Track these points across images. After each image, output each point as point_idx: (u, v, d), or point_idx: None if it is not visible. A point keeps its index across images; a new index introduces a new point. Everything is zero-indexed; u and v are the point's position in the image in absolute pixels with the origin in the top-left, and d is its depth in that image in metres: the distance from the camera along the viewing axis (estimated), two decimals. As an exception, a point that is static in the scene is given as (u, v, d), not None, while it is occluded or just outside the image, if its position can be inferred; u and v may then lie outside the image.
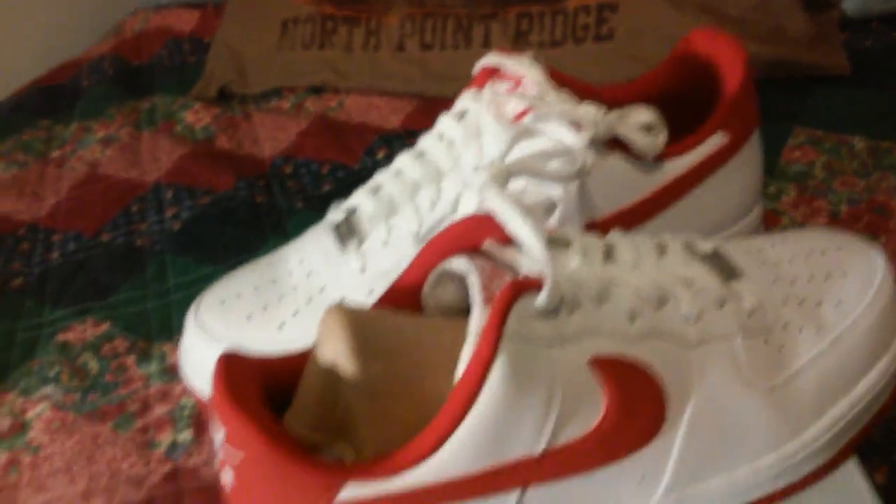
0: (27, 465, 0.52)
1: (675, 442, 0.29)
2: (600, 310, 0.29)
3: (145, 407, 0.55)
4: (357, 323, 0.27)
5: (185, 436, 0.52)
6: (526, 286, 0.27)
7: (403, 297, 0.30)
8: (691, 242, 0.32)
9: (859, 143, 0.59)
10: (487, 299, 0.27)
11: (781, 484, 0.31)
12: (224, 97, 0.85)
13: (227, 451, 0.27)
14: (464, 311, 0.31)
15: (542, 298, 0.27)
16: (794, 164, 0.59)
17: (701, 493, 0.30)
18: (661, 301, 0.30)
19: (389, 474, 0.26)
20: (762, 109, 0.48)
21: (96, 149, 0.82)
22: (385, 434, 0.28)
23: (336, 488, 0.26)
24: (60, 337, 0.61)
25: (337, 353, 0.27)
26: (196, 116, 0.84)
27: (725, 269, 0.32)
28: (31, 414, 0.55)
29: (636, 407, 0.28)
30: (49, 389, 0.57)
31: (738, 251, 0.33)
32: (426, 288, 0.30)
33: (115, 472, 0.51)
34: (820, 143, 0.60)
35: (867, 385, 0.32)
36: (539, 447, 0.27)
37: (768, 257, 0.33)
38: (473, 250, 0.30)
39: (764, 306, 0.31)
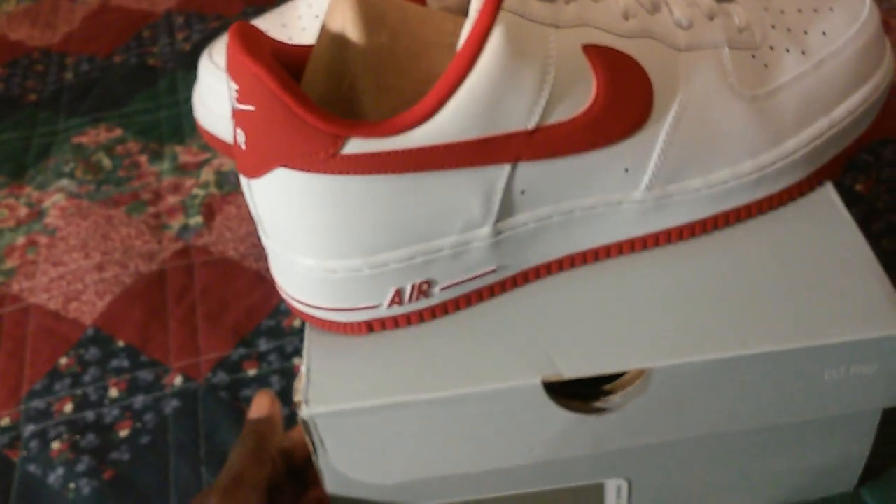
0: (44, 245, 0.55)
1: (659, 135, 0.31)
2: (597, 4, 0.30)
3: (157, 197, 0.57)
4: (365, -4, 0.29)
5: (196, 220, 0.54)
6: (525, -31, 0.29)
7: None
8: (687, -29, 0.34)
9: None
10: (488, -18, 0.29)
11: (760, 194, 0.33)
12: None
13: (240, 113, 0.28)
14: (466, 14, 0.32)
15: (539, -22, 0.28)
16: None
17: (681, 192, 0.32)
18: (655, 6, 0.31)
19: (391, 133, 0.28)
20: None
21: (108, -15, 0.83)
22: (388, 108, 0.29)
23: (340, 141, 0.28)
24: (74, 140, 0.63)
25: (345, 22, 0.28)
26: (207, -43, 0.84)
27: (718, -6, 0.33)
28: (47, 202, 0.58)
29: (625, 95, 0.30)
30: (64, 182, 0.59)
31: (732, -15, 0.35)
32: (430, -12, 0.32)
33: (128, 247, 0.53)
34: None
35: (846, 109, 0.34)
36: (532, 122, 0.29)
37: (760, -8, 0.35)
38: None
39: (752, 27, 0.33)
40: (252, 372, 0.45)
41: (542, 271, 0.33)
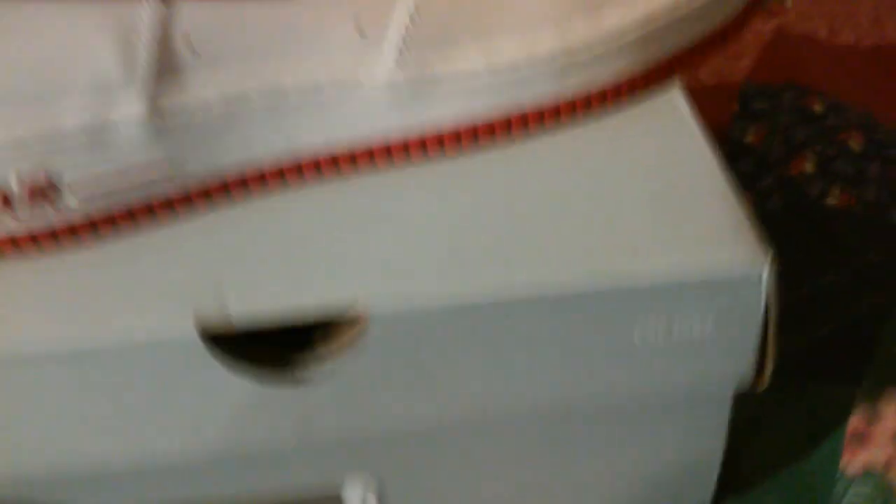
0: None
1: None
2: None
3: None
4: None
5: None
6: None
7: None
8: None
9: None
10: None
11: (569, 87, 0.23)
12: None
13: None
14: None
15: None
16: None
17: (453, 76, 0.22)
18: None
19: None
20: None
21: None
22: None
23: None
24: None
25: None
26: None
27: None
28: None
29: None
30: None
31: None
32: None
33: None
34: None
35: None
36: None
37: None
38: None
39: None
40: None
41: (250, 183, 0.23)
